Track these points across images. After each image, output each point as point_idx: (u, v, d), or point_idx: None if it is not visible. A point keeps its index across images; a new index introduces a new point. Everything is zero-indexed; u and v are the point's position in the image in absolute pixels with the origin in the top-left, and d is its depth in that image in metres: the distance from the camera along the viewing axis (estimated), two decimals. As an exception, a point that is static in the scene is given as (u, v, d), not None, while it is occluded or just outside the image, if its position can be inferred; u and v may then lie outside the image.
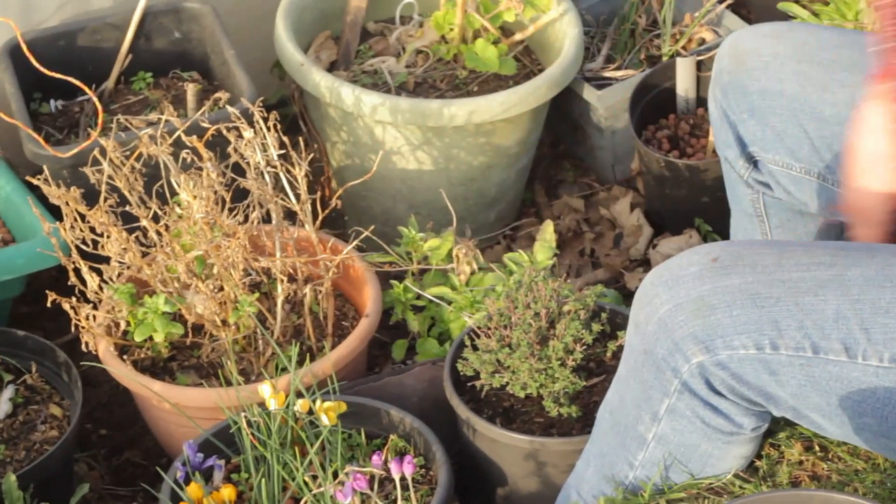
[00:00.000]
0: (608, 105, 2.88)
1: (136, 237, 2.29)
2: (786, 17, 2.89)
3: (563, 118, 3.06)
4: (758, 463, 1.85)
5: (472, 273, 2.51)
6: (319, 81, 2.69)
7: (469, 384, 2.22)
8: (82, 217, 2.25)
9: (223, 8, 2.87)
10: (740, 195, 2.15)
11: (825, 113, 1.95)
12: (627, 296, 2.79)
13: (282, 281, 2.33)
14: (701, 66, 2.88)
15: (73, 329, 2.32)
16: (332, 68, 2.89)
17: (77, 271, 2.30)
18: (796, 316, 1.62)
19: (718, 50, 2.10)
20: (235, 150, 2.26)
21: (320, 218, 2.38)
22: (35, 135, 2.53)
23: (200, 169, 2.24)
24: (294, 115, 2.94)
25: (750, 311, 1.63)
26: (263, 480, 2.02)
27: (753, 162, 2.06)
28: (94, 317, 2.33)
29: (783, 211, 2.12)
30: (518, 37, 2.88)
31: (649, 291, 1.71)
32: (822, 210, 2.01)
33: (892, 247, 1.69)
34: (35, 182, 2.26)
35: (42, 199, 2.43)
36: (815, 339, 1.62)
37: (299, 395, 2.08)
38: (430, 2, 2.96)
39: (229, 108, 2.30)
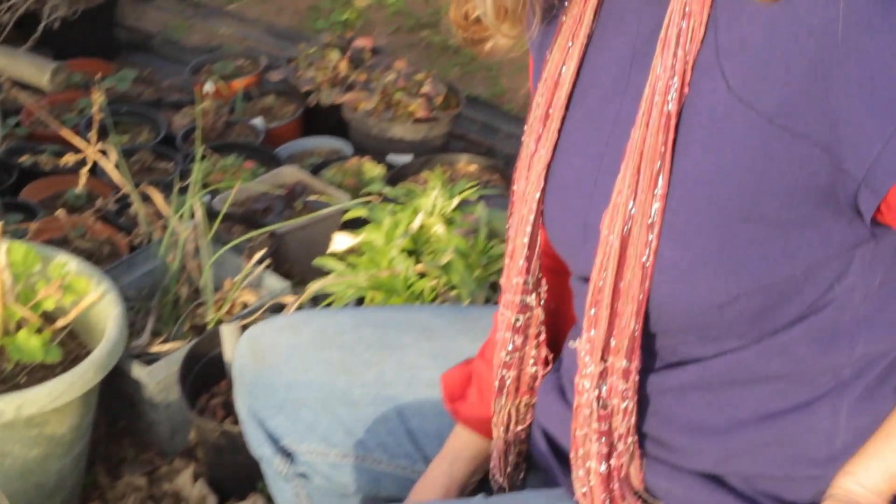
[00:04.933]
0: (158, 380, 2.89)
1: None
2: (322, 273, 2.99)
3: (116, 396, 3.05)
4: None
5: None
6: None
7: None
8: None
9: None
10: (282, 490, 2.10)
11: (355, 395, 1.96)
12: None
13: None
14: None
15: None
16: None
17: None
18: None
19: (237, 348, 2.08)
20: None
21: None
22: None
23: None
24: None
25: None
26: None
27: (288, 455, 2.03)
28: None
29: (328, 496, 2.07)
30: (60, 323, 2.87)
31: None
32: (364, 488, 2.01)
33: None
34: None
35: None
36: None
37: None
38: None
39: None
